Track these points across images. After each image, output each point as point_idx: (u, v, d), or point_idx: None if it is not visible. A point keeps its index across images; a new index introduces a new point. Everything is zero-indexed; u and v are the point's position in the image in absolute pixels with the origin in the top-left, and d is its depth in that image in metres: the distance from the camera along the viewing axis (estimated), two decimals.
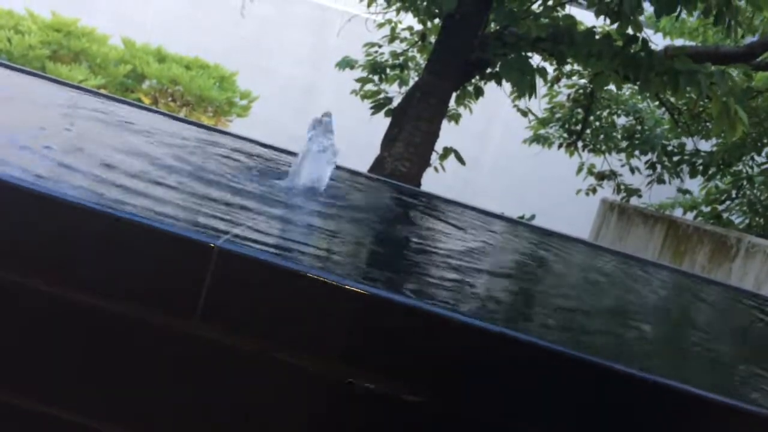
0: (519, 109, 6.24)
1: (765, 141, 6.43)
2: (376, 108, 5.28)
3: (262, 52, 10.07)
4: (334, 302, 0.94)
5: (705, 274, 4.41)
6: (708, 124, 6.31)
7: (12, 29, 7.16)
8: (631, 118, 7.16)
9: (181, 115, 6.91)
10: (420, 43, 5.76)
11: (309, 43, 10.28)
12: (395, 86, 5.61)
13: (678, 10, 3.90)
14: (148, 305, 0.95)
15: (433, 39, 5.32)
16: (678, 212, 7.35)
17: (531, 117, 6.55)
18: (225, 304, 0.95)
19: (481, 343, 0.96)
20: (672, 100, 5.94)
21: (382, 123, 4.89)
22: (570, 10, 5.07)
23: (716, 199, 6.94)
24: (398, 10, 5.42)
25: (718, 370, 1.21)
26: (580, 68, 5.83)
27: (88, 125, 1.76)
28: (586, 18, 5.00)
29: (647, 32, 4.32)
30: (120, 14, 9.58)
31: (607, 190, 7.23)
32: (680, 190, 7.55)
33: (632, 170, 6.96)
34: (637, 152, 7.02)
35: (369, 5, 5.41)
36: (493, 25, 4.75)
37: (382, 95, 5.42)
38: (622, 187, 7.02)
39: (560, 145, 7.06)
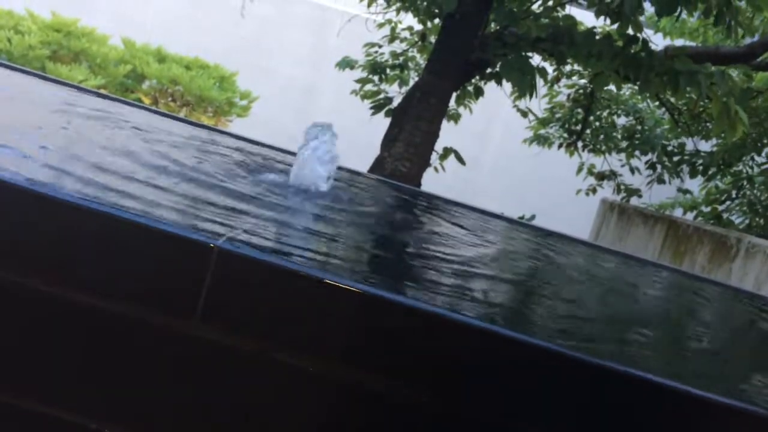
0: (519, 110, 6.24)
1: (765, 141, 6.43)
2: (376, 108, 5.28)
3: (262, 53, 10.07)
4: (333, 302, 0.94)
5: (705, 274, 4.41)
6: (708, 124, 6.31)
7: (12, 29, 7.17)
8: (631, 118, 7.16)
9: (181, 115, 6.91)
10: (420, 43, 5.76)
11: (309, 44, 10.29)
12: (395, 86, 5.61)
13: (678, 10, 3.89)
14: (148, 305, 0.95)
15: (433, 39, 5.32)
16: (678, 212, 7.35)
17: (531, 117, 6.54)
18: (225, 304, 0.95)
19: (480, 343, 0.96)
20: (672, 100, 5.94)
21: (382, 123, 4.89)
22: (570, 10, 5.07)
23: (716, 199, 6.94)
24: (398, 10, 5.42)
25: (717, 371, 1.21)
26: (580, 68, 5.83)
27: (87, 125, 1.76)
28: (586, 18, 5.00)
29: (647, 32, 4.31)
30: (120, 14, 9.58)
31: (607, 190, 7.23)
32: (680, 190, 7.55)
33: (632, 170, 6.96)
34: (637, 152, 7.02)
35: (369, 5, 5.41)
36: (493, 25, 4.75)
37: (382, 95, 5.42)
38: (622, 187, 7.02)
39: (560, 145, 7.06)
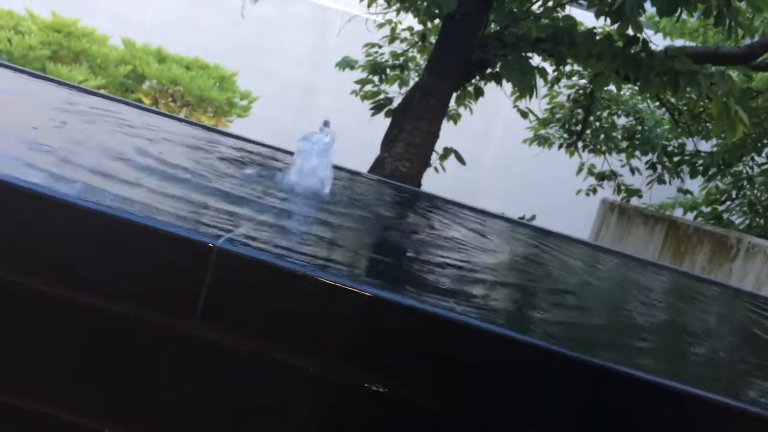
0: (519, 110, 6.24)
1: (765, 141, 6.43)
2: (376, 108, 5.28)
3: (262, 53, 10.08)
4: (333, 302, 0.94)
5: (705, 274, 4.41)
6: (708, 124, 6.31)
7: (12, 30, 7.17)
8: (631, 118, 7.16)
9: (182, 115, 6.91)
10: (420, 43, 5.76)
11: (309, 44, 10.29)
12: (395, 87, 5.61)
13: (678, 11, 3.89)
14: (148, 305, 0.95)
15: (433, 39, 5.32)
16: (678, 212, 7.35)
17: (531, 117, 6.54)
18: (225, 304, 0.95)
19: (480, 343, 0.96)
20: (672, 100, 5.94)
21: (382, 123, 4.89)
22: (570, 10, 5.07)
23: (716, 199, 6.94)
24: (398, 11, 5.41)
25: (717, 371, 1.21)
26: (580, 69, 5.83)
27: (87, 125, 1.76)
28: (586, 18, 5.00)
29: (647, 33, 4.31)
30: (120, 15, 9.59)
31: (607, 191, 7.23)
32: (680, 191, 7.55)
33: (632, 170, 6.95)
34: (637, 152, 7.02)
35: (369, 5, 5.41)
36: (493, 25, 4.75)
37: (382, 96, 5.42)
38: (623, 187, 7.02)
39: (560, 146, 7.06)
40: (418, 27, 5.64)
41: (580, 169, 7.15)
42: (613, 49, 4.09)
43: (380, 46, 5.79)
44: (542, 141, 7.13)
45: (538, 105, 6.33)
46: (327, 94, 9.62)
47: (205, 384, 0.96)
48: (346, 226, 1.47)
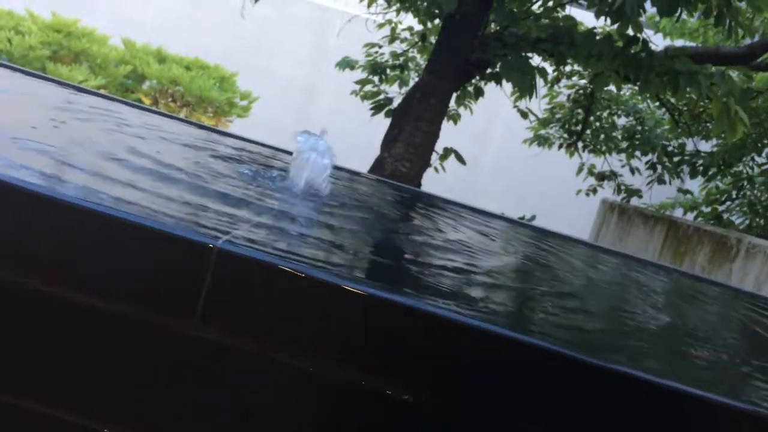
0: (519, 110, 6.24)
1: (765, 142, 6.44)
2: (376, 108, 5.29)
3: (263, 53, 10.08)
4: (333, 303, 0.94)
5: (705, 274, 4.41)
6: (708, 124, 6.32)
7: (12, 30, 7.17)
8: (631, 118, 7.17)
9: (182, 115, 6.91)
10: (420, 43, 5.76)
11: (309, 44, 10.29)
12: (395, 87, 5.61)
13: (679, 11, 3.90)
14: (148, 306, 0.95)
15: (433, 39, 5.33)
16: (678, 213, 7.36)
17: (531, 118, 6.55)
18: (225, 304, 0.95)
19: (480, 343, 0.96)
20: (672, 100, 5.95)
21: (382, 123, 4.89)
22: (570, 10, 5.07)
23: (716, 199, 6.94)
24: (398, 11, 5.42)
25: (717, 371, 1.21)
26: (580, 69, 5.84)
27: (86, 125, 1.76)
28: (586, 19, 5.00)
29: (647, 33, 4.32)
30: (120, 15, 9.59)
31: (607, 191, 7.24)
32: (680, 191, 7.56)
33: (632, 171, 6.96)
34: (637, 153, 7.02)
35: (369, 6, 5.41)
36: (493, 25, 4.75)
37: (382, 96, 5.42)
38: (623, 187, 7.02)
39: (560, 146, 7.06)
40: (418, 27, 5.65)
41: (580, 170, 7.16)
42: (613, 49, 4.09)
43: (380, 46, 5.80)
44: (542, 141, 7.13)
45: (538, 105, 6.34)
46: (327, 94, 9.62)
47: (205, 384, 0.96)
48: (346, 226, 1.47)
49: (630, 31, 4.09)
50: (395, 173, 4.21)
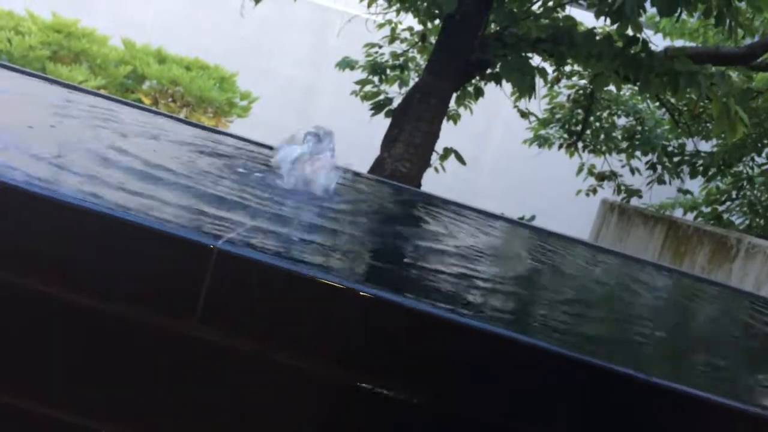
0: (519, 111, 6.24)
1: (765, 142, 6.44)
2: (376, 109, 5.29)
3: (263, 53, 10.09)
4: (333, 303, 0.94)
5: (705, 274, 4.41)
6: (708, 124, 6.32)
7: (12, 30, 7.17)
8: (631, 118, 7.17)
9: (182, 115, 6.91)
10: (420, 43, 5.76)
11: (309, 44, 10.29)
12: (395, 87, 5.61)
13: (679, 11, 3.90)
14: (148, 306, 0.95)
15: (433, 40, 5.33)
16: (678, 213, 7.36)
17: (532, 118, 6.55)
18: (224, 305, 0.95)
19: (480, 344, 0.96)
20: (672, 100, 5.95)
21: (382, 124, 4.89)
22: (570, 11, 5.07)
23: (716, 199, 6.94)
24: (398, 11, 5.42)
25: (717, 371, 1.21)
26: (580, 69, 5.84)
27: (86, 126, 1.76)
28: (586, 19, 5.00)
29: (647, 33, 4.32)
30: (120, 15, 9.59)
31: (607, 191, 7.24)
32: (680, 191, 7.56)
33: (632, 171, 6.96)
34: (637, 153, 7.02)
35: (369, 6, 5.41)
36: (493, 25, 4.75)
37: (382, 96, 5.43)
38: (623, 187, 7.02)
39: (560, 146, 7.06)
40: (418, 27, 5.65)
41: (580, 170, 7.16)
42: (613, 49, 4.09)
43: (380, 47, 5.80)
44: (542, 141, 7.13)
45: (538, 105, 6.34)
46: (327, 94, 9.62)
47: (204, 385, 0.96)
48: (346, 227, 1.47)
49: (630, 32, 4.09)
50: (395, 173, 4.21)
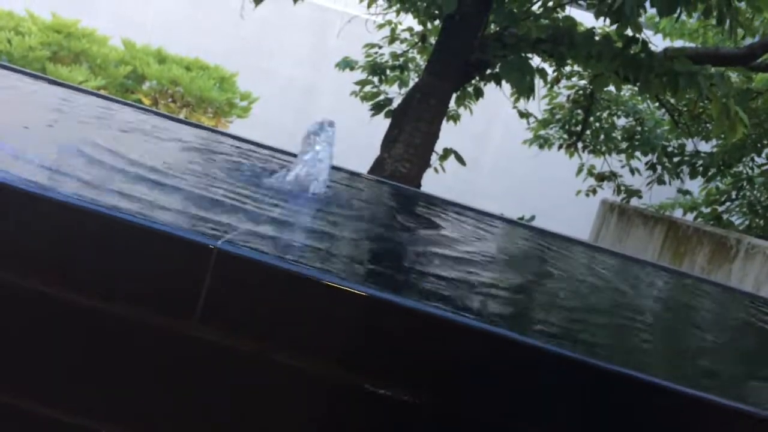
0: (518, 111, 6.24)
1: (765, 142, 6.44)
2: (376, 109, 5.29)
3: (263, 54, 10.08)
4: (332, 304, 0.95)
5: (705, 275, 4.41)
6: (708, 125, 6.31)
7: (12, 30, 7.17)
8: (631, 119, 7.16)
9: (181, 116, 6.91)
10: (420, 44, 5.76)
11: (309, 44, 10.29)
12: (395, 87, 5.61)
13: (678, 11, 3.89)
14: (148, 306, 0.95)
15: (433, 40, 5.33)
16: (678, 213, 7.35)
17: (531, 119, 6.55)
18: (224, 305, 0.95)
19: (480, 344, 0.96)
20: (672, 101, 5.94)
21: (382, 124, 4.89)
22: (570, 11, 5.07)
23: (716, 200, 6.94)
24: (398, 11, 5.42)
25: (717, 372, 1.21)
26: (580, 69, 5.84)
27: (84, 126, 1.76)
28: (585, 19, 5.00)
29: (647, 33, 4.32)
30: (120, 15, 9.59)
31: (607, 191, 7.24)
32: (680, 191, 7.55)
33: (632, 171, 6.96)
34: (637, 153, 7.02)
35: (369, 6, 5.41)
36: (493, 26, 4.76)
37: (381, 96, 5.42)
38: (622, 188, 7.02)
39: (560, 146, 7.06)
40: (418, 28, 5.65)
41: (579, 170, 7.15)
42: (613, 49, 4.09)
43: (380, 47, 5.80)
44: (542, 142, 7.13)
45: (538, 106, 6.34)
46: (327, 94, 9.62)
47: (204, 384, 0.96)
48: (346, 227, 1.47)
49: (629, 32, 4.09)
50: (395, 174, 4.21)
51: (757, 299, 2.27)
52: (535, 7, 4.73)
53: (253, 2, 4.41)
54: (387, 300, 0.96)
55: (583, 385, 0.96)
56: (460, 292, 1.18)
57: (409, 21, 5.68)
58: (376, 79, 5.60)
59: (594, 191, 7.17)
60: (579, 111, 6.79)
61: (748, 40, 5.31)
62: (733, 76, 5.72)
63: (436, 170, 5.26)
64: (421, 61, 5.82)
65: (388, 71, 5.66)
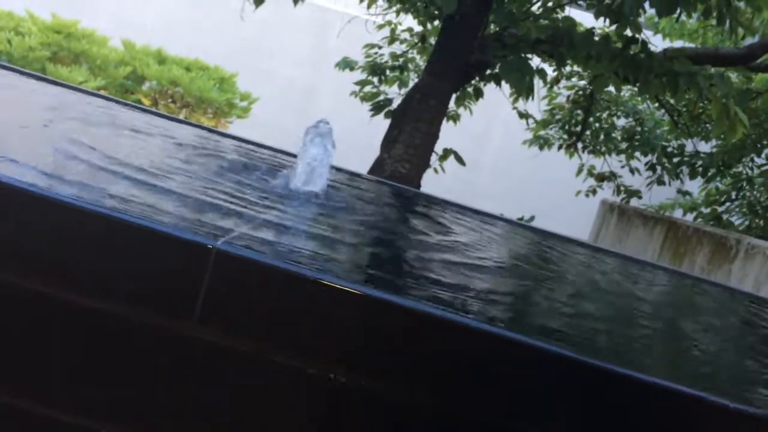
0: (518, 112, 6.24)
1: (765, 142, 6.43)
2: (376, 109, 5.28)
3: (263, 54, 10.08)
4: (331, 304, 0.95)
5: (705, 275, 4.41)
6: (708, 125, 6.31)
7: (12, 31, 7.17)
8: (630, 119, 7.16)
9: (181, 116, 6.91)
10: (420, 44, 5.76)
11: (309, 45, 10.29)
12: (395, 88, 5.61)
13: (677, 11, 3.89)
14: (147, 306, 0.95)
15: (432, 40, 5.33)
16: (678, 213, 7.35)
17: (530, 120, 6.54)
18: (223, 305, 0.95)
19: (479, 344, 0.96)
20: (672, 101, 5.94)
21: (381, 124, 4.89)
22: (569, 11, 5.07)
23: (716, 200, 6.94)
24: (398, 12, 5.42)
25: (716, 372, 1.21)
26: (579, 70, 5.84)
27: (85, 126, 1.76)
28: (585, 19, 5.00)
29: (646, 34, 4.32)
30: (120, 16, 9.59)
31: (606, 192, 7.24)
32: (680, 192, 7.55)
33: (632, 171, 6.96)
34: (636, 153, 7.02)
35: (369, 7, 5.41)
36: (492, 26, 4.76)
37: (381, 97, 5.42)
38: (622, 188, 7.02)
39: (560, 147, 7.06)
40: (418, 28, 5.65)
41: (579, 171, 7.15)
42: (612, 49, 4.09)
43: (380, 47, 5.80)
44: (542, 142, 7.13)
45: (538, 106, 6.34)
46: (327, 95, 9.62)
47: (203, 384, 0.96)
48: (345, 227, 1.47)
49: (629, 32, 4.09)
50: (395, 174, 4.21)
51: (756, 299, 2.27)
52: (534, 8, 4.73)
53: (254, 3, 4.41)
54: (385, 300, 0.96)
55: (583, 385, 0.96)
56: (459, 293, 1.18)
57: (408, 21, 5.68)
58: (375, 80, 5.60)
59: (594, 192, 7.17)
60: (579, 111, 6.79)
61: (748, 40, 5.31)
62: (733, 76, 5.72)
63: (435, 171, 5.26)
64: (421, 61, 5.82)
65: (387, 71, 5.66)
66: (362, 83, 5.60)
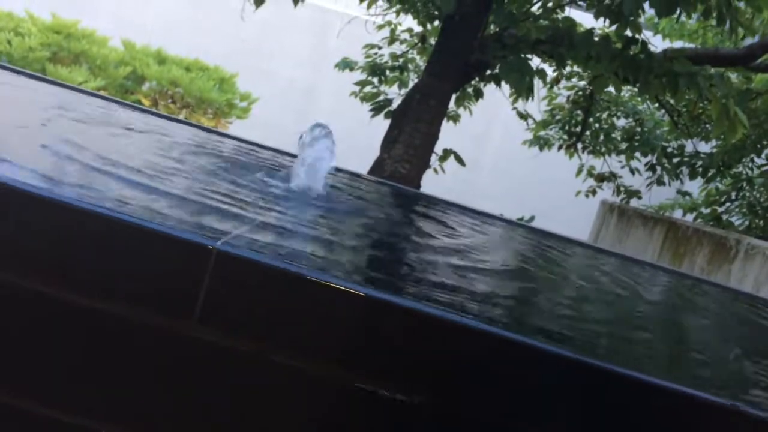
0: (518, 112, 6.24)
1: (765, 143, 6.43)
2: (376, 110, 5.29)
3: (263, 55, 10.08)
4: (331, 304, 0.95)
5: (704, 276, 4.41)
6: (708, 125, 6.31)
7: (12, 31, 7.17)
8: (630, 119, 7.16)
9: (181, 116, 6.91)
10: (420, 44, 5.76)
11: (309, 45, 10.29)
12: (395, 88, 5.61)
13: (677, 11, 3.89)
14: (147, 306, 0.95)
15: (432, 41, 5.33)
16: (678, 214, 7.35)
17: (530, 120, 6.54)
18: (223, 306, 0.95)
19: (479, 344, 0.96)
20: (671, 102, 5.94)
21: (381, 125, 4.89)
22: (569, 11, 5.07)
23: (716, 200, 6.94)
24: (398, 12, 5.42)
25: (716, 372, 1.21)
26: (579, 70, 5.84)
27: (83, 126, 1.76)
28: (585, 20, 5.00)
29: (646, 34, 4.32)
30: (120, 16, 9.59)
31: (606, 192, 7.24)
32: (680, 192, 7.55)
33: (632, 172, 6.96)
34: (636, 154, 7.02)
35: (369, 7, 5.41)
36: (492, 26, 4.76)
37: (381, 97, 5.42)
38: (622, 188, 7.02)
39: (560, 147, 7.06)
40: (418, 28, 5.65)
41: (579, 171, 7.16)
42: (612, 50, 4.09)
43: (380, 48, 5.80)
44: (542, 143, 7.13)
45: (538, 107, 6.34)
46: (327, 95, 9.62)
47: (203, 385, 0.96)
48: (345, 228, 1.47)
49: (629, 32, 4.08)
50: (395, 174, 4.21)
51: (756, 300, 2.27)
52: (534, 8, 4.73)
53: (254, 3, 4.41)
54: (385, 300, 0.96)
55: (582, 385, 0.96)
56: (460, 293, 1.18)
57: (408, 22, 5.68)
58: (375, 80, 5.60)
59: (594, 192, 7.17)
60: (579, 112, 6.79)
61: (748, 41, 5.31)
62: (733, 76, 5.72)
63: (435, 171, 5.26)
64: (421, 61, 5.82)
65: (387, 72, 5.66)
66: (362, 83, 5.60)
